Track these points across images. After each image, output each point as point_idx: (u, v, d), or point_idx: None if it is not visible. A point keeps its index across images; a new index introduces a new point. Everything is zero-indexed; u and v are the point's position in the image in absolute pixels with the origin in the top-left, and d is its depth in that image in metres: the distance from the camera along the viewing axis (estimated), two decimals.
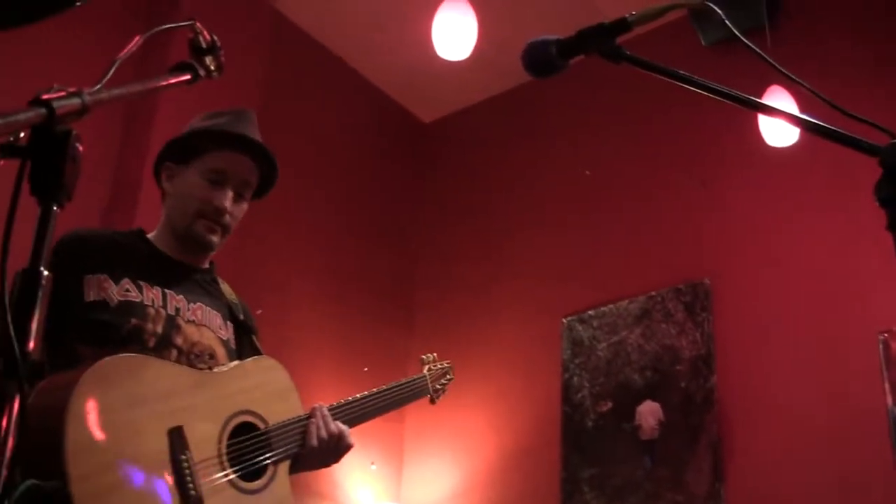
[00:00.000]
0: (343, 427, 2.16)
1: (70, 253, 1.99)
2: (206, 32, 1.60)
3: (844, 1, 4.82)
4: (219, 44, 1.61)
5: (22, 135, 1.12)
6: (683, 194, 4.96)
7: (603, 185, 5.31)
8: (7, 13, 1.38)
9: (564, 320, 5.09)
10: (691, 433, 4.41)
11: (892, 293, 4.04)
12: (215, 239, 2.18)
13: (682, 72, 1.40)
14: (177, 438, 1.79)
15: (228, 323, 2.23)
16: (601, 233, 5.23)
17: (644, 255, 4.98)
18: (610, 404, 4.74)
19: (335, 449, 2.15)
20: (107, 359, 1.74)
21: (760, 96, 3.98)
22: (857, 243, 4.23)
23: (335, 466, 2.22)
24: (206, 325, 2.13)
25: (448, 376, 2.74)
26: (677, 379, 4.56)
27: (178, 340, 2.03)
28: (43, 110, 1.10)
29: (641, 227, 5.06)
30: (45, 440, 1.60)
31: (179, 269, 2.18)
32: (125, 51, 1.36)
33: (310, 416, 2.12)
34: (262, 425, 2.00)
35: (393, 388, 2.44)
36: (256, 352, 2.24)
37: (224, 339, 2.17)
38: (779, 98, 4.14)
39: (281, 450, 2.02)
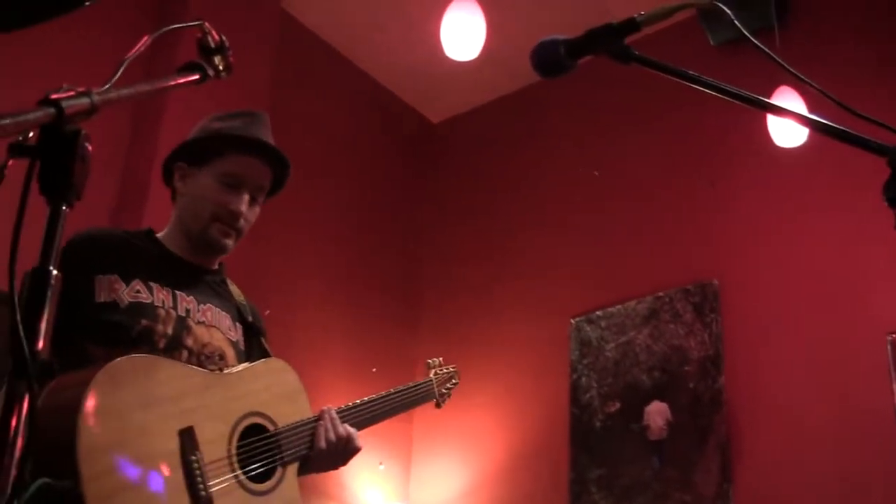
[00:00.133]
0: (351, 430, 2.17)
1: (81, 253, 1.99)
2: (214, 32, 1.60)
3: (853, 2, 4.81)
4: (227, 44, 1.61)
5: (31, 134, 1.12)
6: (691, 194, 4.95)
7: (611, 185, 5.30)
8: (16, 13, 1.39)
9: (573, 321, 5.09)
10: (699, 434, 4.40)
11: None
12: (230, 242, 2.18)
13: (690, 72, 1.40)
14: (187, 439, 1.79)
15: (237, 324, 2.23)
16: (609, 233, 5.22)
17: (652, 255, 4.98)
18: (618, 405, 4.74)
19: (343, 452, 2.15)
20: (119, 359, 1.74)
21: (769, 96, 3.97)
22: (866, 244, 4.22)
23: (343, 467, 2.23)
24: (216, 326, 2.13)
25: (454, 380, 2.75)
26: (685, 379, 4.55)
27: (189, 342, 2.03)
28: (52, 110, 1.11)
29: (649, 228, 5.05)
30: (58, 439, 1.60)
31: (190, 271, 2.18)
32: (134, 51, 1.36)
33: (318, 418, 2.13)
34: (271, 427, 2.01)
35: (400, 391, 2.45)
36: (265, 353, 2.24)
37: (233, 340, 2.17)
38: (787, 98, 4.13)
39: (290, 452, 2.02)
